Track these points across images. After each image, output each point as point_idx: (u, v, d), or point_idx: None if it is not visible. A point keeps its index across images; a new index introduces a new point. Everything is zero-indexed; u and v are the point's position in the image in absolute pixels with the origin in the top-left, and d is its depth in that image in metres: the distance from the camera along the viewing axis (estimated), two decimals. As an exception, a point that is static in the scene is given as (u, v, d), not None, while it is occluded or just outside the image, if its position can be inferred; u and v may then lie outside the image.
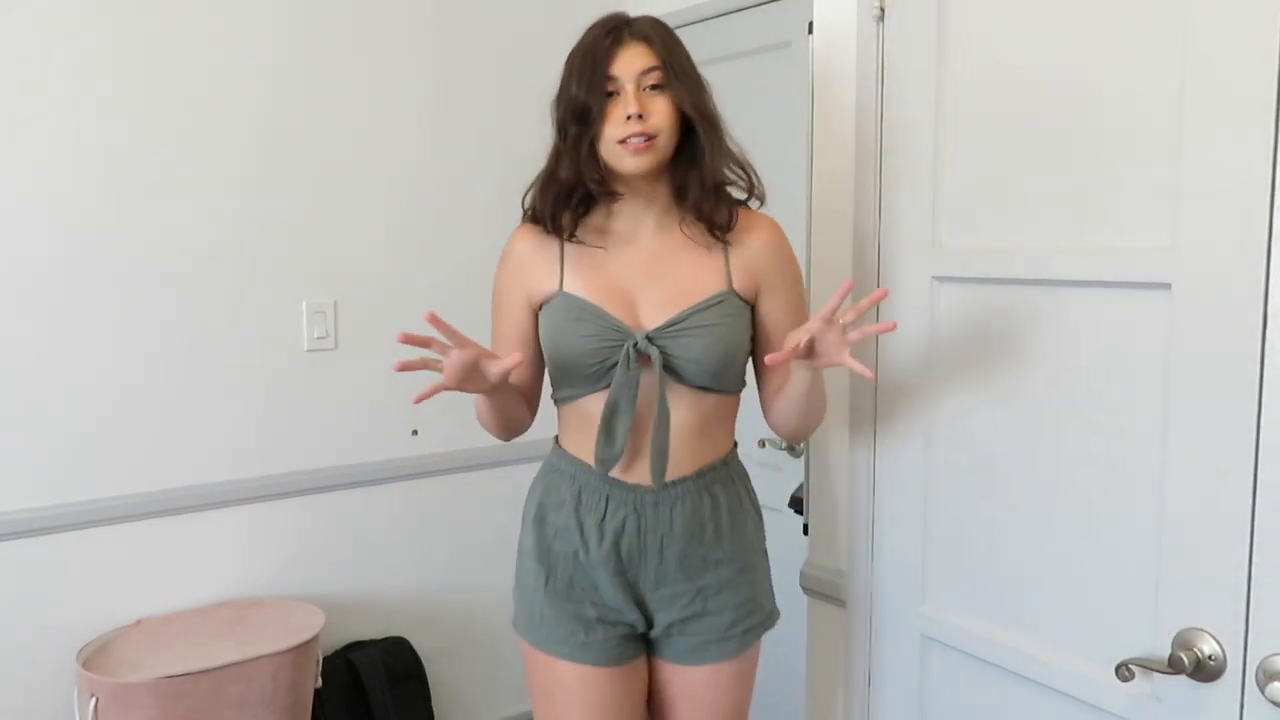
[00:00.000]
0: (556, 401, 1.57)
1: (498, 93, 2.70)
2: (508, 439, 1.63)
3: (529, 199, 1.54)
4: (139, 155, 2.26)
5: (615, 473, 1.50)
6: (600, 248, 1.51)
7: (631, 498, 1.50)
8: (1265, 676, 1.12)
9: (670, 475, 1.48)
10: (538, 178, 1.52)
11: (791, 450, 2.57)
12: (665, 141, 1.43)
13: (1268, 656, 1.13)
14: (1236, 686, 1.16)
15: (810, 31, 1.74)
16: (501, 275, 1.58)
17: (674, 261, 1.50)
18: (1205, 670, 1.18)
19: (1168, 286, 1.20)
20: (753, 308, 1.53)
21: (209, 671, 2.06)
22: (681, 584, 1.52)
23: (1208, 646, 1.18)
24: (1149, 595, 1.25)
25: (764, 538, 1.63)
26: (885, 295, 1.38)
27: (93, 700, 2.02)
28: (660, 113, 1.42)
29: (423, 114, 2.62)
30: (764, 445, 2.63)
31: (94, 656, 2.13)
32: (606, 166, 1.44)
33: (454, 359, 1.37)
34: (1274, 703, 1.11)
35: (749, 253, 1.51)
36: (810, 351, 1.38)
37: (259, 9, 2.38)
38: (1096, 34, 1.28)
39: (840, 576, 1.71)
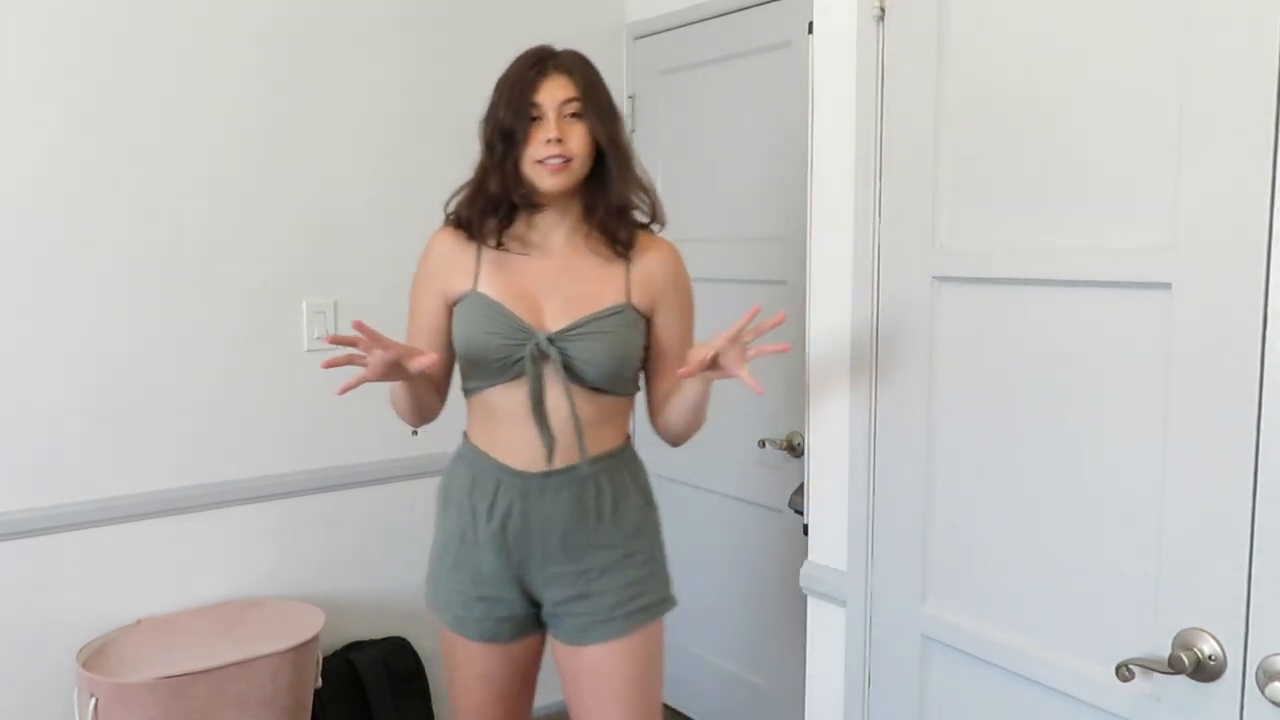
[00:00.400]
0: (466, 393, 1.72)
1: (498, 93, 2.70)
2: (418, 425, 1.77)
3: (453, 205, 1.70)
4: (139, 155, 2.26)
5: (506, 459, 1.65)
6: (519, 254, 1.66)
7: (519, 483, 1.64)
8: (1265, 676, 1.12)
9: (559, 463, 1.63)
10: (464, 189, 1.68)
11: (791, 450, 2.57)
12: (579, 164, 1.60)
13: (1268, 656, 1.13)
14: (1236, 686, 1.16)
15: (810, 31, 1.74)
16: (421, 273, 1.73)
17: (579, 272, 1.66)
18: (1205, 670, 1.18)
19: (1168, 286, 1.20)
20: (649, 322, 1.70)
21: (209, 671, 2.06)
22: (564, 565, 1.66)
23: (1208, 646, 1.18)
24: (1149, 595, 1.25)
25: (656, 528, 1.75)
26: (784, 319, 1.47)
27: (93, 700, 2.02)
28: (577, 138, 1.59)
29: (423, 114, 2.62)
30: (764, 445, 2.63)
31: (94, 656, 2.13)
32: (529, 182, 1.61)
33: (377, 357, 1.51)
34: (1274, 703, 1.11)
35: (648, 271, 1.68)
36: (713, 364, 1.53)
37: (259, 8, 2.38)
38: (1097, 33, 1.28)
39: (840, 576, 1.71)
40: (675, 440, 1.78)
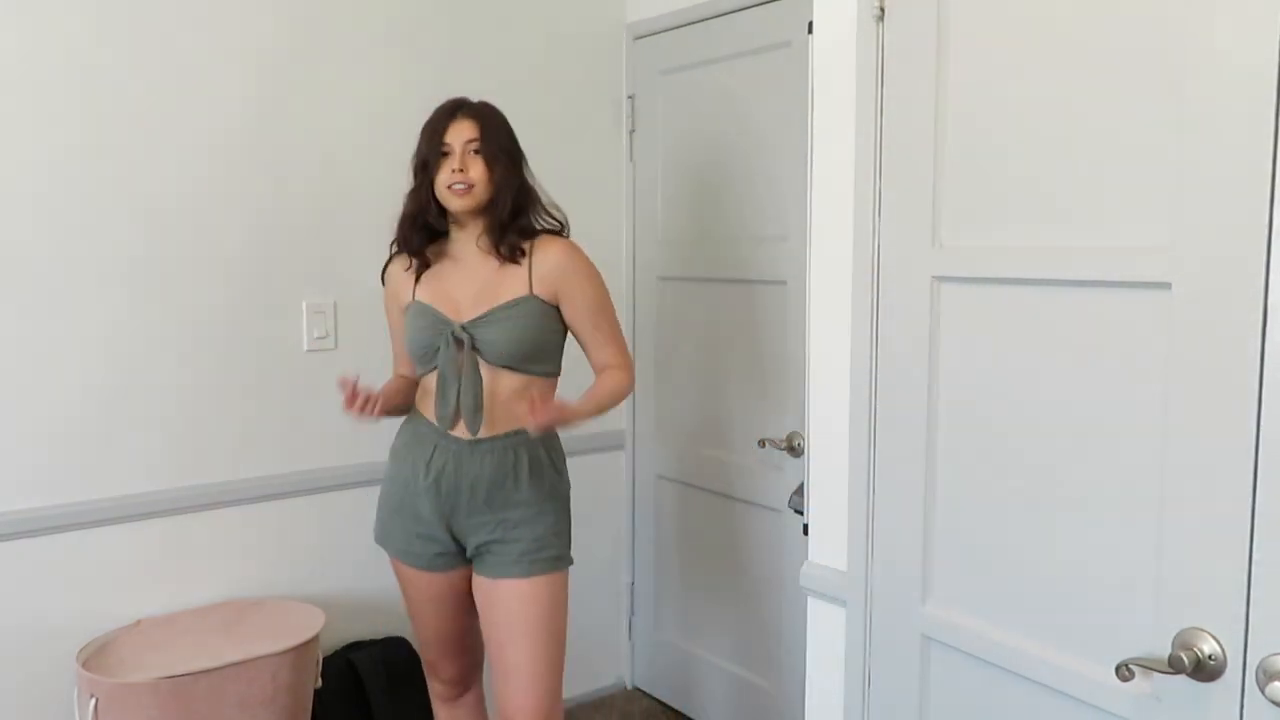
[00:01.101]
0: (416, 375, 2.15)
1: (498, 93, 2.70)
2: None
3: (394, 239, 2.11)
4: (138, 154, 2.26)
5: (444, 427, 2.03)
6: (444, 265, 2.08)
7: (453, 446, 2.03)
8: (1265, 676, 1.12)
9: (484, 433, 2.01)
10: (398, 220, 2.09)
11: (791, 450, 2.57)
12: (480, 190, 2.00)
13: (1268, 656, 1.13)
14: (1236, 686, 1.16)
15: (810, 31, 1.74)
16: (385, 292, 2.20)
17: (489, 274, 2.05)
18: (1205, 670, 1.18)
19: (1168, 286, 1.20)
20: (561, 309, 2.06)
21: (209, 671, 2.06)
22: (486, 515, 2.03)
23: (1208, 646, 1.18)
24: (1149, 595, 1.25)
25: (563, 495, 2.11)
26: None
27: (93, 700, 2.02)
28: (477, 169, 2.00)
29: (424, 114, 2.61)
30: (764, 445, 2.63)
31: (94, 656, 2.13)
32: (440, 206, 2.03)
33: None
34: (1274, 702, 1.11)
35: (546, 267, 2.04)
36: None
37: (260, 8, 2.38)
38: (1097, 33, 1.28)
39: (840, 576, 1.71)
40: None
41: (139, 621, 2.29)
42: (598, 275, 2.10)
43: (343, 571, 2.59)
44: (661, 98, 2.96)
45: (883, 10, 1.54)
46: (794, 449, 2.56)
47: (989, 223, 1.43)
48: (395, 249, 2.13)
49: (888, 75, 1.55)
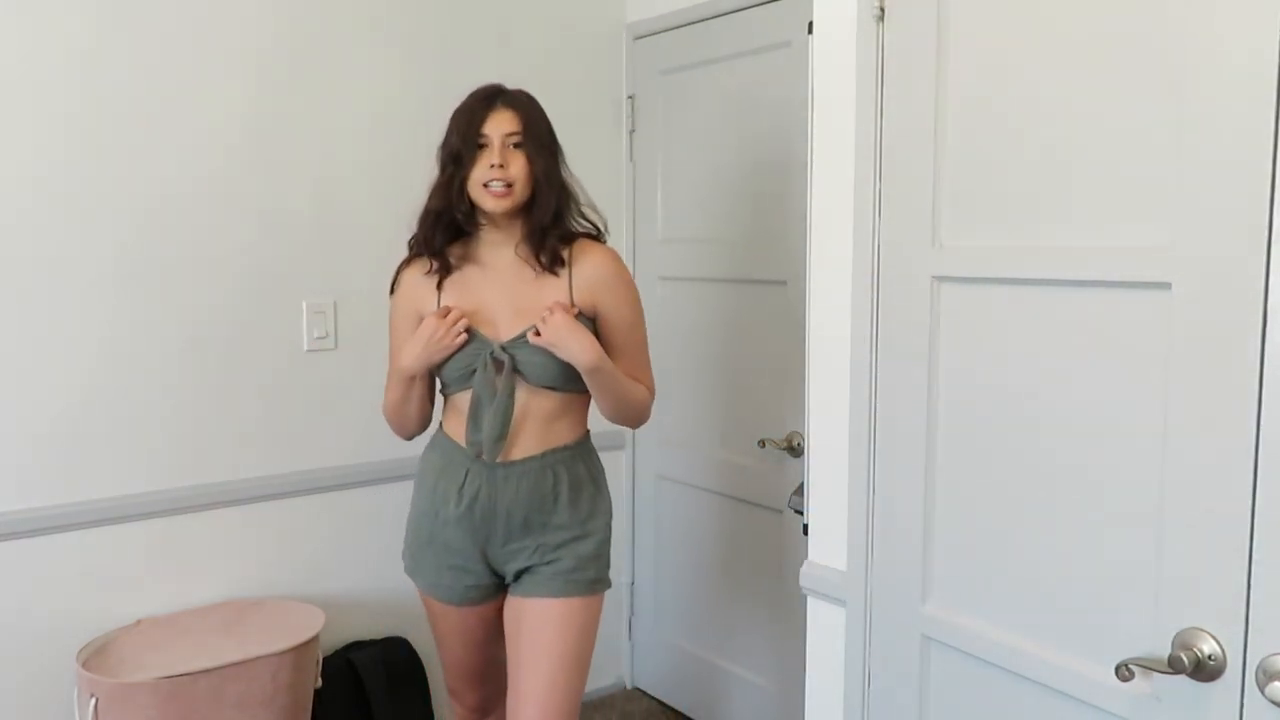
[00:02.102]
0: (442, 394, 1.98)
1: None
2: (412, 433, 2.04)
3: (412, 237, 1.92)
4: (137, 154, 2.26)
5: (475, 453, 1.87)
6: (473, 272, 1.89)
7: (485, 471, 1.87)
8: (1265, 676, 1.12)
9: (518, 455, 1.87)
10: (419, 216, 1.89)
11: (791, 450, 2.57)
12: (520, 189, 1.81)
13: (1268, 656, 1.13)
14: (1236, 686, 1.16)
15: (810, 31, 1.74)
16: (396, 300, 1.97)
17: (525, 284, 1.87)
18: (1205, 670, 1.18)
19: (1168, 286, 1.20)
20: (595, 322, 1.89)
21: (209, 671, 2.06)
22: (525, 540, 1.89)
23: (1208, 646, 1.18)
24: (1149, 595, 1.25)
25: (605, 515, 1.97)
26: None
27: (93, 700, 2.02)
28: (518, 166, 1.80)
29: (424, 114, 2.61)
30: (764, 445, 2.63)
31: (94, 656, 2.13)
32: (473, 204, 1.83)
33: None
34: (1274, 703, 1.11)
35: (588, 276, 1.88)
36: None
37: (259, 7, 2.38)
38: (1097, 33, 1.28)
39: (840, 576, 1.71)
40: (615, 420, 1.98)
41: (139, 621, 2.29)
42: (637, 292, 1.96)
43: (343, 571, 2.59)
44: (661, 98, 2.96)
45: (883, 10, 1.54)
46: (794, 449, 2.56)
47: (989, 223, 1.43)
48: (413, 250, 1.94)
49: (888, 75, 1.55)
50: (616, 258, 1.93)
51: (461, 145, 1.81)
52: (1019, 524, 1.41)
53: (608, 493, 1.99)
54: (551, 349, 1.80)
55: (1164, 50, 1.20)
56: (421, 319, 1.89)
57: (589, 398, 1.93)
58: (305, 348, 2.51)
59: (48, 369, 2.18)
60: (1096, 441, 1.30)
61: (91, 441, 2.24)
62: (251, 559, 2.47)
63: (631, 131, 3.06)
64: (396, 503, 2.65)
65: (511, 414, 1.84)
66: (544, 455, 1.87)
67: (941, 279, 1.50)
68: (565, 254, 1.86)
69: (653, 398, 1.99)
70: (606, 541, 1.96)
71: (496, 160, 1.78)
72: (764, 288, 2.68)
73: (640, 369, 1.96)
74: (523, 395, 1.85)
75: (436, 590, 1.98)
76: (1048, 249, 1.35)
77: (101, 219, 2.22)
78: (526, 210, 1.84)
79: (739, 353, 2.80)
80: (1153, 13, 1.21)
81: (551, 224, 1.84)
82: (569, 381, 1.87)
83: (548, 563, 1.89)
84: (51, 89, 2.15)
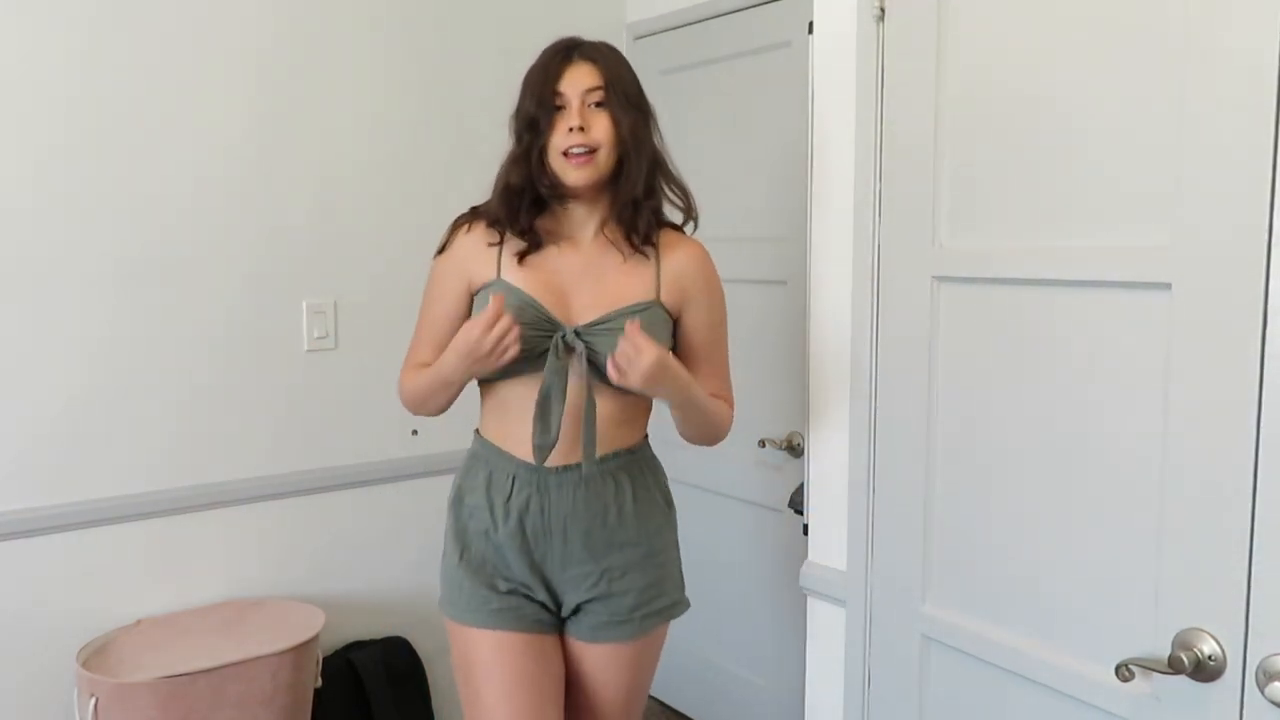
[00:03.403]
0: (481, 385, 1.68)
1: (498, 92, 2.70)
2: (436, 412, 1.71)
3: (483, 205, 1.66)
4: (136, 154, 2.26)
5: (523, 455, 1.60)
6: (548, 247, 1.62)
7: (535, 478, 1.61)
8: (1265, 676, 1.12)
9: (572, 458, 1.59)
10: (495, 184, 1.64)
11: (791, 450, 2.57)
12: (605, 155, 1.57)
13: (1268, 656, 1.13)
14: (1236, 686, 1.16)
15: (810, 31, 1.74)
16: (443, 263, 1.68)
17: (608, 267, 1.62)
18: (1205, 670, 1.18)
19: (1168, 286, 1.20)
20: (676, 322, 1.67)
21: (209, 671, 2.06)
22: (587, 564, 1.62)
23: (1208, 646, 1.18)
24: (1149, 595, 1.25)
25: (674, 529, 1.74)
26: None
27: (93, 700, 2.02)
28: (601, 128, 1.56)
29: (424, 114, 2.62)
30: (764, 445, 2.63)
31: (94, 656, 2.13)
32: (554, 175, 1.57)
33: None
34: (1274, 703, 1.11)
35: (678, 270, 1.65)
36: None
37: (259, 7, 2.38)
38: (1097, 33, 1.28)
39: (840, 576, 1.71)
40: (691, 441, 1.77)
41: (139, 621, 2.29)
42: (723, 294, 1.73)
43: (343, 571, 2.59)
44: (661, 98, 2.95)
45: (883, 10, 1.54)
46: (794, 449, 2.56)
47: (989, 222, 1.43)
48: (482, 215, 1.66)
49: (888, 75, 1.55)
50: (707, 255, 1.70)
51: (537, 109, 1.57)
52: (1019, 524, 1.41)
53: (674, 504, 1.77)
54: (633, 390, 1.53)
55: (1164, 51, 1.20)
56: (471, 291, 1.64)
57: (650, 405, 1.71)
58: (305, 348, 2.51)
59: (47, 369, 2.18)
60: (1096, 441, 1.30)
61: (91, 441, 2.24)
62: (251, 559, 2.47)
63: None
64: (397, 503, 2.66)
65: (595, 409, 1.57)
66: (603, 460, 1.61)
67: (941, 279, 1.50)
68: (652, 244, 1.63)
69: (732, 413, 1.76)
70: (677, 559, 1.74)
71: (576, 122, 1.54)
72: (764, 288, 2.68)
73: (721, 380, 1.74)
74: (585, 390, 1.58)
75: (498, 618, 1.61)
76: (1048, 249, 1.35)
77: (101, 218, 2.22)
78: (614, 181, 1.60)
79: (739, 353, 2.79)
80: (1153, 14, 1.21)
81: (644, 196, 1.60)
82: None
83: (615, 595, 1.63)
84: (51, 89, 2.15)
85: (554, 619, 1.67)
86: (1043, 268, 1.36)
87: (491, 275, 1.62)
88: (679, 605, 1.72)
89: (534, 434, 1.56)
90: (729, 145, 2.75)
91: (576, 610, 1.66)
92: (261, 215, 2.42)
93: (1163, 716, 1.24)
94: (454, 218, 1.71)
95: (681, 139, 2.91)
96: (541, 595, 1.64)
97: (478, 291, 1.64)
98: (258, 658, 2.13)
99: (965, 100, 1.44)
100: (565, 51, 1.59)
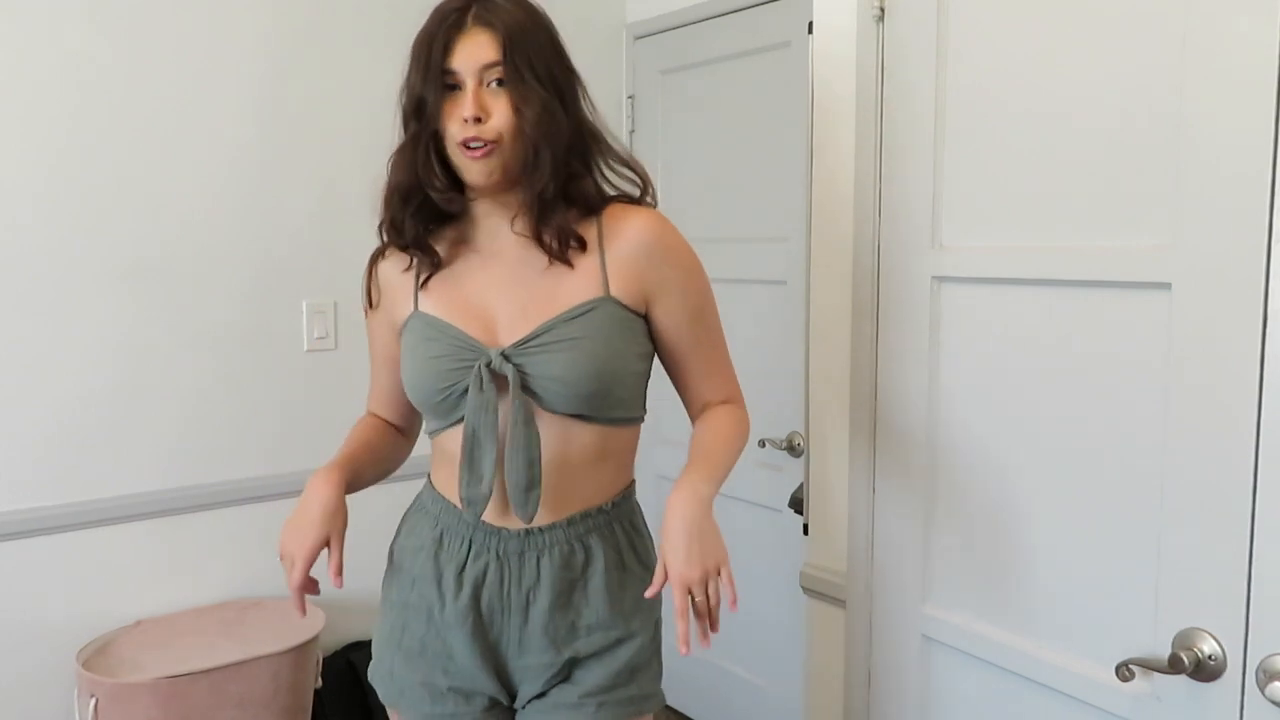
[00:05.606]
0: (427, 433, 1.44)
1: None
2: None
3: (380, 222, 1.36)
4: (137, 154, 2.26)
5: (486, 516, 1.32)
6: (468, 255, 1.34)
7: (495, 543, 1.32)
8: (1265, 676, 1.12)
9: (542, 519, 1.30)
10: (382, 195, 1.33)
11: (791, 450, 2.57)
12: (511, 146, 1.23)
13: (1268, 656, 1.13)
14: (1236, 686, 1.16)
15: (810, 31, 1.74)
16: (369, 314, 1.45)
17: (539, 270, 1.29)
18: (1205, 670, 1.18)
19: (1168, 286, 1.20)
20: (646, 317, 1.34)
21: (209, 671, 2.06)
22: (547, 654, 1.32)
23: (1208, 646, 1.18)
24: (1149, 595, 1.25)
25: (657, 605, 1.39)
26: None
27: (93, 700, 2.02)
28: (502, 114, 1.22)
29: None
30: (764, 445, 2.63)
31: (94, 656, 2.13)
32: (452, 172, 1.27)
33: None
34: (1274, 703, 1.11)
35: (627, 252, 1.29)
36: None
37: (260, 8, 2.38)
38: (1097, 33, 1.28)
39: (840, 576, 1.71)
40: None
41: (139, 621, 2.29)
42: (700, 264, 1.36)
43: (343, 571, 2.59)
44: (661, 98, 2.96)
45: (883, 10, 1.55)
46: (794, 449, 2.56)
47: (989, 223, 1.43)
48: (384, 244, 1.38)
49: (888, 75, 1.55)
50: (662, 220, 1.33)
51: (423, 89, 1.25)
52: (1019, 524, 1.41)
53: (654, 560, 1.39)
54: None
55: (1164, 51, 1.20)
56: (399, 332, 1.38)
57: (637, 433, 1.41)
58: (305, 348, 2.50)
59: (47, 369, 2.18)
60: (1096, 441, 1.31)
61: (92, 441, 2.24)
62: (252, 559, 2.47)
63: (631, 132, 3.06)
64: (396, 503, 2.65)
65: (538, 448, 1.27)
66: (570, 523, 1.32)
67: (941, 279, 1.50)
68: (594, 227, 1.30)
69: (746, 409, 1.46)
70: (657, 642, 1.40)
71: (471, 112, 1.21)
72: (764, 288, 2.67)
73: (722, 377, 1.43)
74: (545, 430, 1.28)
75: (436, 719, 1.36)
76: (1047, 249, 1.35)
77: (102, 220, 2.22)
78: (524, 174, 1.26)
79: (739, 353, 2.78)
80: (1153, 14, 1.21)
81: (556, 191, 1.26)
82: (604, 405, 1.30)
83: (572, 681, 1.34)
84: (54, 91, 2.15)
85: (502, 711, 1.39)
86: (1043, 268, 1.36)
87: (409, 309, 1.36)
88: (651, 700, 1.38)
89: (460, 484, 1.29)
90: (729, 145, 2.75)
91: (530, 703, 1.37)
92: (262, 216, 2.42)
93: (1163, 716, 1.24)
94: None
95: (681, 139, 2.91)
96: (490, 688, 1.35)
97: (401, 331, 1.38)
98: (258, 658, 2.13)
99: (965, 100, 1.44)
100: (457, 15, 1.25)
